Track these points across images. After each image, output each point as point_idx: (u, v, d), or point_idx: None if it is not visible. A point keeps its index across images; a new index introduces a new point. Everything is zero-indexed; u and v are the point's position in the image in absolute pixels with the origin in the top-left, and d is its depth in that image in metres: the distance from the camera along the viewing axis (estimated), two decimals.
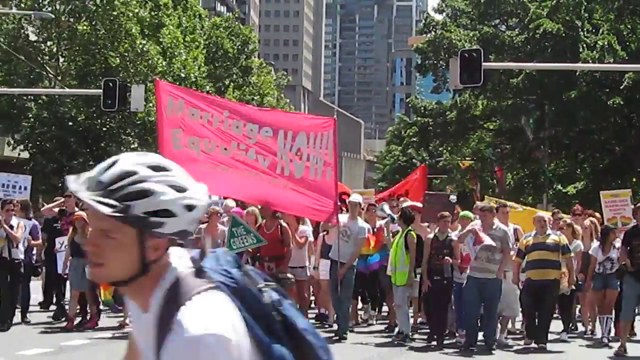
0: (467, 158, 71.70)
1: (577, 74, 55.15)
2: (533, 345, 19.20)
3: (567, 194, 62.26)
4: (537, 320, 19.52)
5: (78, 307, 21.53)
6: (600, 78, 56.07)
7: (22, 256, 20.66)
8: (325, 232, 22.05)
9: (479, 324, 19.51)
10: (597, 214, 24.48)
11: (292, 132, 20.29)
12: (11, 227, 20.15)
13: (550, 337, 20.07)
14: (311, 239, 22.70)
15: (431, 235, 19.91)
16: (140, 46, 52.05)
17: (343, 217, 21.07)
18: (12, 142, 55.90)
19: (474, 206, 23.54)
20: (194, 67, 59.36)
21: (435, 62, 70.56)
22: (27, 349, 17.48)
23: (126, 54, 51.09)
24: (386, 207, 21.96)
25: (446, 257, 19.58)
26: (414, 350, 19.09)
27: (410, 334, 20.07)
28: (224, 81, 71.77)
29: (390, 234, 21.49)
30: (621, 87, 54.31)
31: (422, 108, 75.62)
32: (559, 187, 66.20)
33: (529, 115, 67.31)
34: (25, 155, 56.16)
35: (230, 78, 73.21)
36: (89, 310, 21.41)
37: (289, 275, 20.25)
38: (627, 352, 18.08)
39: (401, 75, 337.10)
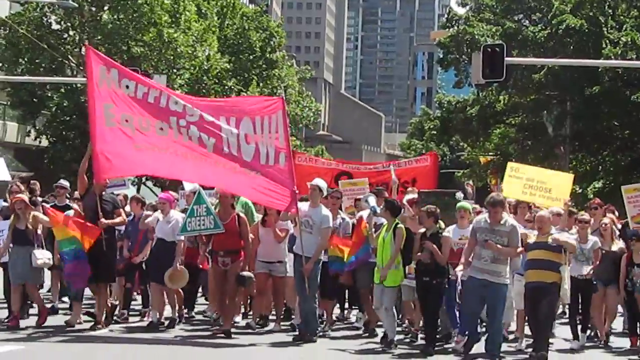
0: (489, 153, 71.53)
1: (600, 70, 55.10)
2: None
3: (586, 193, 62.13)
4: (535, 327, 17.76)
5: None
6: (623, 74, 56.02)
7: None
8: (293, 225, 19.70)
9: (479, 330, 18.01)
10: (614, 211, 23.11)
11: (235, 118, 19.07)
12: None
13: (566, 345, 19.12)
14: (292, 231, 19.99)
15: (422, 230, 18.02)
16: (167, 35, 52.23)
17: (303, 206, 19.19)
18: (32, 130, 56.26)
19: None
20: (217, 59, 59.48)
21: (457, 56, 70.42)
22: None
23: (152, 43, 51.18)
24: (372, 199, 19.35)
25: (424, 252, 17.88)
26: (401, 357, 17.20)
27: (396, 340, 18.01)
28: (249, 73, 71.80)
29: (373, 229, 18.82)
30: None
31: (447, 102, 75.73)
32: (576, 188, 66.21)
33: (551, 111, 67.23)
34: (45, 143, 56.50)
35: (254, 71, 73.29)
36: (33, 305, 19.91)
37: (248, 273, 18.78)
38: None
39: (423, 69, 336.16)
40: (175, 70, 53.04)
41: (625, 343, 19.40)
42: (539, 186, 20.86)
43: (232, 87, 63.67)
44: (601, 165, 65.88)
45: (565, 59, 54.19)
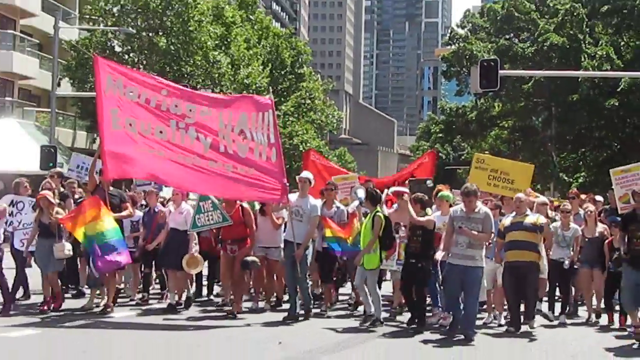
0: (486, 152, 71.58)
1: (580, 80, 55.34)
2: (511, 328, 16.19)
3: (571, 185, 62.09)
4: (522, 304, 16.57)
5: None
6: (599, 83, 56.12)
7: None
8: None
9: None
10: (598, 197, 22.33)
11: (231, 112, 17.84)
12: None
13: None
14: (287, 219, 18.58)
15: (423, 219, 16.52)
16: (212, 57, 52.56)
17: (293, 197, 18.08)
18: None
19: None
20: (257, 75, 59.81)
21: (458, 69, 70.63)
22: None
23: (199, 63, 51.40)
24: (360, 191, 18.33)
25: (397, 237, 17.21)
26: (386, 336, 15.69)
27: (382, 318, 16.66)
28: (282, 85, 72.14)
29: (363, 217, 17.78)
30: (617, 91, 54.49)
31: (449, 109, 76.01)
32: (564, 177, 66.26)
33: (538, 115, 67.34)
34: None
35: (285, 84, 73.60)
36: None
37: (254, 258, 17.77)
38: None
39: (429, 81, 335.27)
40: (220, 86, 53.25)
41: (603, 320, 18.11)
42: (502, 177, 20.02)
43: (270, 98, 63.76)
44: (582, 161, 65.92)
45: (550, 71, 54.25)
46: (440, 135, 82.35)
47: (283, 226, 18.69)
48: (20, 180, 19.55)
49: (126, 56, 52.82)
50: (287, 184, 17.84)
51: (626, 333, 15.96)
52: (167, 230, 18.60)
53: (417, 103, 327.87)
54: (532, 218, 16.48)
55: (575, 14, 60.06)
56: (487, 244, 16.53)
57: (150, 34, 52.59)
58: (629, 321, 16.04)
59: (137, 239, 19.28)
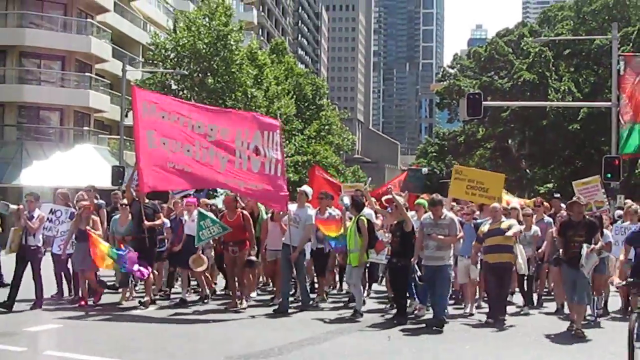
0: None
1: (547, 109, 55.35)
2: (489, 320, 15.41)
3: (541, 193, 61.98)
4: (496, 297, 15.86)
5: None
6: (564, 112, 56.14)
7: (38, 244, 16.76)
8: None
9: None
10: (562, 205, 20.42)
11: (248, 130, 17.21)
12: (32, 217, 16.66)
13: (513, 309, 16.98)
14: None
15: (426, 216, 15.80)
16: (250, 93, 52.82)
17: (293, 206, 17.55)
18: None
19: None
20: (287, 107, 60.10)
21: (449, 101, 70.86)
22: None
23: (239, 98, 51.62)
24: (346, 199, 17.66)
25: (381, 241, 16.57)
26: (369, 327, 14.81)
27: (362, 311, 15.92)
28: (305, 114, 72.42)
29: (347, 221, 17.21)
30: (578, 118, 54.53)
31: (442, 133, 76.20)
32: (537, 187, 66.19)
33: (514, 138, 67.34)
34: None
35: (308, 113, 73.88)
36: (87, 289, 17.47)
37: (253, 258, 17.21)
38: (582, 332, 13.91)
39: (425, 110, 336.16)
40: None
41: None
42: (478, 186, 19.00)
43: (297, 126, 64.15)
44: (550, 174, 65.84)
45: (523, 102, 54.30)
46: (435, 154, 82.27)
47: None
48: (58, 192, 19.27)
49: (180, 93, 52.99)
50: (287, 194, 17.39)
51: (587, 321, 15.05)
52: (184, 237, 18.09)
53: (416, 128, 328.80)
54: (506, 223, 15.86)
55: (543, 55, 60.17)
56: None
57: (200, 75, 52.82)
58: (588, 311, 15.32)
59: (163, 241, 18.53)
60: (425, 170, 21.04)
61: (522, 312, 16.93)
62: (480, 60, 69.06)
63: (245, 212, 17.49)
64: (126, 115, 46.30)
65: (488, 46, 70.07)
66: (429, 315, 15.66)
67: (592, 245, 14.18)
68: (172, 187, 18.41)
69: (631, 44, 50.60)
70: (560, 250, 14.64)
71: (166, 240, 18.52)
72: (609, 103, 36.04)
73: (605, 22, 56.82)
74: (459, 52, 78.88)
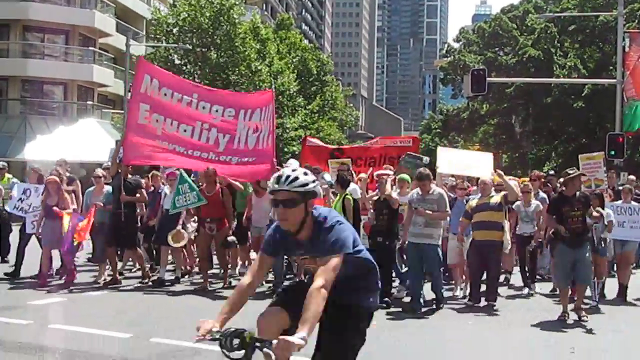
0: (476, 145, 71.46)
1: (552, 85, 55.21)
2: (477, 304, 14.49)
3: (544, 171, 61.91)
4: (486, 280, 14.85)
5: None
6: (568, 89, 56.00)
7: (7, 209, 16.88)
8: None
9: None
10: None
11: (250, 110, 16.75)
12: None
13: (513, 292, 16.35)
14: None
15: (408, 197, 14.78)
16: (254, 67, 52.80)
17: None
18: None
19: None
20: (290, 82, 60.07)
21: (453, 77, 70.70)
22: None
23: (243, 72, 51.56)
24: (327, 176, 17.00)
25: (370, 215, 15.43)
26: None
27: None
28: (310, 90, 72.25)
29: (331, 200, 15.48)
30: (583, 95, 54.41)
31: (446, 109, 76.14)
32: (540, 165, 66.15)
33: (518, 114, 67.24)
34: None
35: (312, 89, 73.75)
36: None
37: (232, 238, 16.38)
38: (569, 317, 12.99)
39: (429, 86, 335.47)
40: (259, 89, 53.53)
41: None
42: (466, 163, 18.05)
43: (300, 103, 63.97)
44: (553, 151, 65.83)
45: (528, 78, 54.19)
46: (439, 131, 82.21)
47: None
48: (30, 167, 18.77)
49: (184, 68, 53.02)
50: (277, 162, 16.75)
51: (587, 307, 13.93)
52: (162, 210, 17.27)
53: (420, 104, 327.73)
54: (496, 198, 14.84)
55: (548, 32, 59.96)
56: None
57: (203, 49, 52.77)
58: (588, 292, 14.33)
59: (142, 218, 17.88)
60: (427, 159, 19.60)
61: (524, 294, 16.08)
62: (484, 36, 68.88)
63: (225, 188, 16.52)
64: (129, 90, 46.23)
65: (492, 22, 69.85)
66: (407, 298, 14.88)
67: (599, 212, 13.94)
68: (155, 162, 17.67)
69: (637, 21, 50.40)
70: (559, 229, 13.28)
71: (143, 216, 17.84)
72: (614, 80, 35.94)
73: None
74: (465, 27, 78.43)
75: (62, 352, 10.11)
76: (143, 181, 18.36)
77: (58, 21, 50.96)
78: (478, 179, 16.41)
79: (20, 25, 50.62)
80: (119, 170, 16.65)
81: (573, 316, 13.12)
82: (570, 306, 13.33)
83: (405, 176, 16.10)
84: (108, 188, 17.19)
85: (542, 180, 19.78)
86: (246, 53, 52.55)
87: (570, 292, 13.73)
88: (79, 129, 48.54)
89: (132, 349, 10.33)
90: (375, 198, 15.23)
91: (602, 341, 11.66)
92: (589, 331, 12.22)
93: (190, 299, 14.66)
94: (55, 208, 16.10)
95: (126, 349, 10.30)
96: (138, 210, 17.47)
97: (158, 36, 53.95)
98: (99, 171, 17.99)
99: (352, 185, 16.11)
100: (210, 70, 51.84)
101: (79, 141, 44.55)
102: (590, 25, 58.92)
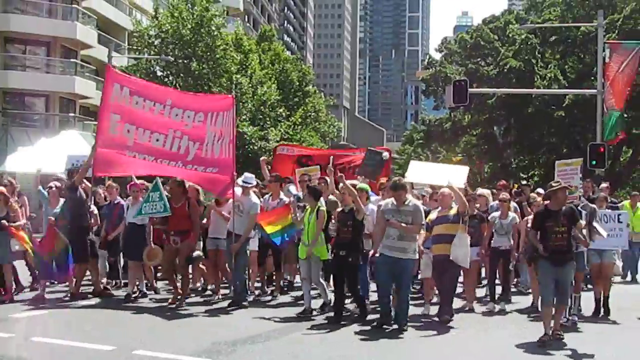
0: (458, 155, 71.52)
1: (533, 96, 55.42)
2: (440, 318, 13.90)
3: (527, 180, 62.07)
4: (439, 296, 14.55)
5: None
6: (549, 99, 56.24)
7: None
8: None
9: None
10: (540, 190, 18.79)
11: (215, 113, 15.92)
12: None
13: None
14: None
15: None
16: (235, 79, 52.87)
17: (238, 191, 15.77)
18: None
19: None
20: (272, 93, 60.18)
21: (435, 88, 70.72)
22: None
23: (225, 85, 51.62)
24: (292, 188, 16.80)
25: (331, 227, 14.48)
26: (316, 328, 13.16)
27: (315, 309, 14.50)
28: (292, 101, 72.20)
29: (297, 213, 15.20)
30: (563, 105, 54.70)
31: (428, 120, 76.38)
32: (521, 174, 66.31)
33: (500, 125, 67.47)
34: None
35: (295, 100, 73.68)
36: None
37: (199, 253, 16.20)
38: (552, 340, 12.14)
39: (411, 97, 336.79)
40: (241, 103, 53.53)
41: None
42: (438, 174, 16.79)
43: (282, 114, 64.00)
44: (536, 161, 66.03)
45: (509, 89, 54.43)
46: (421, 141, 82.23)
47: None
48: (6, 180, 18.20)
49: (166, 79, 53.02)
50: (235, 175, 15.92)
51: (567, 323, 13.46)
52: (125, 224, 16.75)
53: (402, 115, 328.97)
54: (455, 210, 14.20)
55: (529, 42, 60.13)
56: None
57: (185, 61, 52.77)
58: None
59: (99, 230, 17.41)
60: (386, 155, 19.43)
61: (496, 309, 15.47)
62: (466, 47, 69.06)
63: (192, 199, 16.01)
64: None
65: (474, 32, 70.09)
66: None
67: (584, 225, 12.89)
68: (125, 173, 17.27)
69: (617, 32, 50.70)
70: (538, 246, 12.51)
71: (93, 229, 17.21)
72: (595, 90, 36.18)
73: (591, 8, 56.85)
74: (447, 38, 78.68)
75: None
76: (100, 191, 18.21)
77: (40, 33, 50.84)
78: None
79: (1, 36, 50.41)
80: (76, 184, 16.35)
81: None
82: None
83: (365, 186, 15.52)
84: (62, 200, 16.73)
85: (510, 189, 19.55)
86: (227, 65, 52.65)
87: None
88: (60, 140, 48.28)
89: None
90: (339, 210, 14.39)
91: None
92: (577, 355, 11.48)
93: (172, 313, 14.57)
94: (3, 221, 15.61)
95: None
96: (92, 221, 17.04)
97: (140, 48, 53.98)
98: (53, 183, 17.48)
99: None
100: (192, 82, 51.80)
101: (61, 153, 44.27)
102: (571, 36, 59.22)
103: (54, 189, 17.08)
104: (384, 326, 13.13)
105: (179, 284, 15.90)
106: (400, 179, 14.34)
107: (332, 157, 17.73)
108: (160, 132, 15.92)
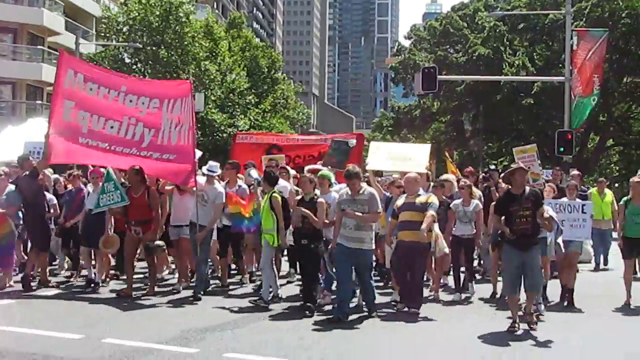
0: (427, 142, 71.69)
1: (501, 83, 55.65)
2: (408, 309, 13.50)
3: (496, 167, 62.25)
4: (409, 284, 13.62)
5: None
6: (518, 86, 56.51)
7: None
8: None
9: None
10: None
11: (172, 100, 15.51)
12: None
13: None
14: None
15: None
16: (204, 66, 52.73)
17: (201, 180, 15.50)
18: None
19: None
20: (240, 80, 60.09)
21: (404, 75, 70.73)
22: None
23: (193, 72, 51.46)
24: (253, 172, 16.02)
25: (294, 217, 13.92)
26: (273, 318, 12.92)
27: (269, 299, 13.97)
28: (261, 88, 71.96)
29: (260, 198, 14.83)
30: (532, 92, 54.94)
31: (397, 107, 76.46)
32: (491, 161, 66.61)
33: (469, 112, 67.70)
34: None
35: (264, 87, 73.47)
36: None
37: (159, 243, 15.37)
38: (519, 328, 11.98)
39: (380, 85, 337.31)
40: (210, 90, 53.37)
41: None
42: (399, 157, 17.06)
43: (251, 101, 63.83)
44: (504, 148, 66.36)
45: (478, 76, 54.60)
46: (391, 128, 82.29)
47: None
48: None
49: (134, 66, 52.80)
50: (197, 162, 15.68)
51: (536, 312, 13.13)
52: (85, 210, 16.50)
53: (372, 102, 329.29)
54: (422, 198, 13.71)
55: (497, 30, 60.38)
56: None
57: (154, 48, 52.53)
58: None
59: (55, 219, 17.32)
60: (352, 142, 18.99)
61: (459, 299, 15.16)
62: (435, 35, 69.16)
63: (152, 188, 15.62)
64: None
65: (443, 20, 70.18)
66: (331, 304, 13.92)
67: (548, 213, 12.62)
68: (80, 160, 17.00)
69: (584, 19, 50.93)
70: (505, 231, 12.23)
71: (52, 218, 17.19)
72: (562, 77, 36.39)
73: None
74: (416, 25, 78.68)
75: (10, 354, 9.97)
76: (61, 179, 18.19)
77: (6, 19, 50.47)
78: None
79: None
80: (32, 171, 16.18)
81: (523, 325, 12.20)
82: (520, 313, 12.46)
83: (327, 173, 15.09)
84: (11, 187, 16.42)
85: (477, 176, 19.38)
86: (196, 52, 52.50)
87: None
88: (28, 128, 47.85)
89: (83, 350, 10.22)
90: (299, 198, 14.24)
91: (557, 355, 10.84)
92: (543, 344, 11.30)
93: (142, 301, 14.51)
94: None
95: (77, 351, 10.19)
96: (52, 211, 17.03)
97: (108, 35, 53.72)
98: (2, 170, 17.31)
99: (282, 183, 15.56)
100: (161, 69, 51.58)
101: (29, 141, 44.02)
102: (540, 24, 59.40)
103: (2, 176, 16.86)
104: (340, 318, 12.68)
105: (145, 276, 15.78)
106: (355, 166, 13.74)
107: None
108: (115, 119, 15.52)
